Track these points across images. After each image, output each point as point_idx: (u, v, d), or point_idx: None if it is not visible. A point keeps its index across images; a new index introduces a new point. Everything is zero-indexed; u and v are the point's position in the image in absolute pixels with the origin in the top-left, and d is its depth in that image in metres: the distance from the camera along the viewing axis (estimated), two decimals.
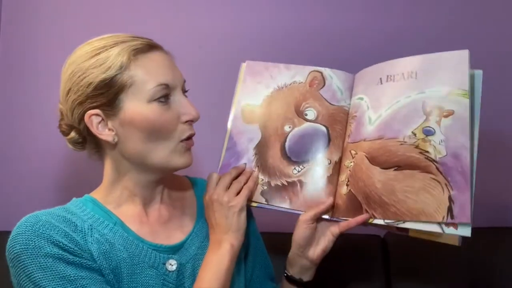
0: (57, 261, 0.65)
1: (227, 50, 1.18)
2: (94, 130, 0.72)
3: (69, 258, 0.66)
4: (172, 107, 0.74)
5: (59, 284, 0.64)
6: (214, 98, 1.09)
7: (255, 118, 0.89)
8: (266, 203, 0.84)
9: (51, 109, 1.07)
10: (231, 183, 0.81)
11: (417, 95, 0.75)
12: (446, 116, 0.72)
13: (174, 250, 0.77)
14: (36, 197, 1.17)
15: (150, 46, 0.74)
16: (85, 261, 0.68)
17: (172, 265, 0.74)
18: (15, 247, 0.65)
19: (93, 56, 0.71)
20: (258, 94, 0.90)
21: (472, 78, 0.73)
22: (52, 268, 0.64)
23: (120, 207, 0.76)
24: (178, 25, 1.19)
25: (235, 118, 0.89)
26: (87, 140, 0.77)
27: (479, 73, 0.73)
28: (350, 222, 0.78)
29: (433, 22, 1.18)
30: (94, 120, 0.72)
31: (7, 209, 1.17)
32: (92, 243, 0.70)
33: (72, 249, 0.67)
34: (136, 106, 0.71)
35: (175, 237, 0.79)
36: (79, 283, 0.65)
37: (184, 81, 0.78)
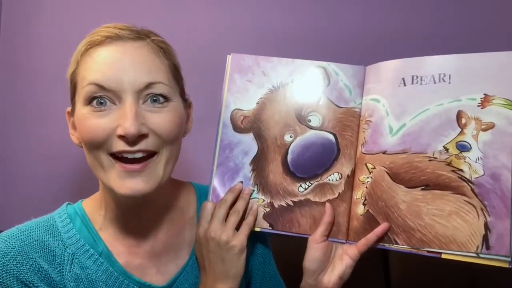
0: None
1: (228, 50, 1.07)
2: (69, 128, 0.67)
3: None
4: (110, 115, 0.60)
5: None
6: (215, 99, 0.97)
7: (248, 126, 0.74)
8: (270, 228, 0.72)
9: (51, 109, 1.13)
10: (228, 213, 0.69)
11: (450, 103, 0.63)
12: (485, 130, 0.61)
13: None
14: (35, 198, 1.13)
15: (110, 38, 0.62)
16: None
17: None
18: None
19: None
20: (249, 95, 0.75)
21: None
22: None
23: (108, 230, 0.68)
24: (178, 25, 1.14)
25: (224, 127, 0.75)
26: None
27: None
28: (368, 238, 0.68)
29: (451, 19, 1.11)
30: (69, 118, 0.67)
31: (7, 209, 1.15)
32: (69, 280, 0.63)
33: None
34: (78, 108, 0.63)
35: (167, 272, 0.69)
36: None
37: (146, 86, 0.61)
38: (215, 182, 0.74)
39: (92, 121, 0.60)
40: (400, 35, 1.11)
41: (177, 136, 0.65)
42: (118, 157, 0.61)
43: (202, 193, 0.76)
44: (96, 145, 0.61)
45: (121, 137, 0.59)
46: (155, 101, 0.62)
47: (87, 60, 0.62)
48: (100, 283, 0.64)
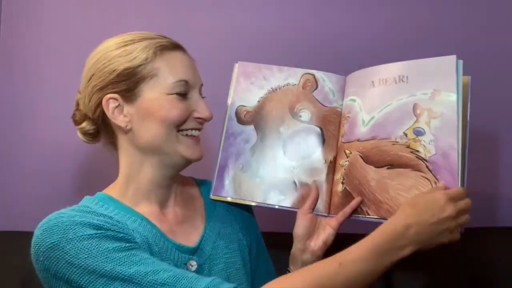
0: (101, 239, 0.64)
1: (222, 51, 1.20)
2: (109, 114, 0.76)
3: (113, 234, 0.66)
4: (187, 103, 0.78)
5: (106, 257, 0.63)
6: (211, 98, 1.11)
7: (249, 119, 0.91)
8: (264, 202, 0.87)
9: (52, 108, 1.15)
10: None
11: (408, 98, 0.80)
12: (434, 118, 0.77)
13: (193, 251, 0.79)
14: (35, 198, 1.15)
15: (176, 46, 0.79)
16: (130, 237, 0.68)
17: (192, 265, 0.76)
18: (51, 237, 0.64)
19: (120, 46, 0.76)
20: (252, 95, 0.92)
21: (463, 82, 0.77)
22: (96, 246, 0.63)
23: (138, 206, 0.77)
24: (175, 26, 1.20)
25: (230, 119, 0.92)
26: (100, 130, 0.81)
27: (466, 77, 0.78)
28: (345, 210, 0.81)
29: (423, 23, 1.20)
30: (111, 104, 0.76)
31: (7, 209, 1.14)
32: (132, 230, 0.71)
33: (116, 228, 0.68)
34: (155, 96, 0.75)
35: (192, 237, 0.80)
36: (128, 252, 0.65)
37: (202, 85, 0.82)
38: (220, 163, 0.89)
39: (178, 105, 0.76)
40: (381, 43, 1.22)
41: None
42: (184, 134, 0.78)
43: (201, 181, 0.91)
44: (176, 123, 0.76)
45: (198, 119, 0.78)
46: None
47: (167, 60, 0.76)
48: (150, 240, 0.72)
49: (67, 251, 0.62)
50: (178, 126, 0.77)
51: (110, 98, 0.76)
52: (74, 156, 1.16)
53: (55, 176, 1.16)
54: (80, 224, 0.65)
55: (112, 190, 0.79)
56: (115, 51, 0.76)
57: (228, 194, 0.88)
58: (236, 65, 0.94)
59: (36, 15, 1.18)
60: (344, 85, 0.90)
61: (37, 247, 0.65)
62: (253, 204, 0.87)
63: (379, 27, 1.21)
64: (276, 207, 0.86)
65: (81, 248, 0.63)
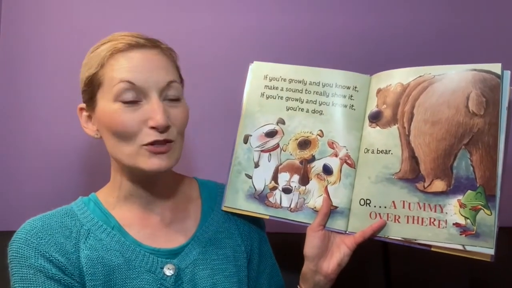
0: (38, 273, 0.68)
1: (232, 50, 1.15)
2: (81, 123, 0.77)
3: (50, 272, 0.68)
4: (140, 110, 0.70)
5: None
6: (218, 99, 1.06)
7: None
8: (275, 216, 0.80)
9: (51, 108, 1.13)
10: None
11: None
12: None
13: (173, 254, 0.75)
14: (35, 198, 1.15)
15: (132, 46, 0.71)
16: (66, 278, 0.69)
17: (169, 269, 0.73)
18: (10, 253, 0.70)
19: (89, 53, 0.76)
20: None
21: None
22: (31, 280, 0.68)
23: (121, 208, 0.77)
24: (182, 25, 1.17)
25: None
26: None
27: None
28: (365, 231, 0.74)
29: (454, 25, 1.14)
30: (82, 113, 0.77)
31: (7, 210, 1.15)
32: (83, 249, 0.71)
33: (57, 261, 0.69)
34: (104, 104, 0.72)
35: (176, 240, 0.77)
36: None
37: (168, 84, 0.72)
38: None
39: (125, 115, 0.70)
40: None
41: (185, 129, 0.76)
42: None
43: (204, 183, 0.86)
44: (128, 136, 0.70)
45: (153, 128, 0.69)
46: (171, 100, 0.73)
47: (114, 63, 0.71)
48: (115, 251, 0.72)
49: (13, 274, 0.68)
50: (132, 138, 0.70)
51: (81, 108, 0.77)
52: (72, 157, 1.14)
53: (56, 175, 1.15)
54: (30, 246, 0.69)
55: (102, 192, 0.80)
56: (86, 58, 0.76)
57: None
58: (251, 65, 0.86)
59: (36, 15, 1.16)
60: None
61: (8, 253, 0.70)
62: (265, 217, 0.81)
63: (400, 29, 1.15)
64: (287, 221, 0.80)
65: (20, 276, 0.68)
